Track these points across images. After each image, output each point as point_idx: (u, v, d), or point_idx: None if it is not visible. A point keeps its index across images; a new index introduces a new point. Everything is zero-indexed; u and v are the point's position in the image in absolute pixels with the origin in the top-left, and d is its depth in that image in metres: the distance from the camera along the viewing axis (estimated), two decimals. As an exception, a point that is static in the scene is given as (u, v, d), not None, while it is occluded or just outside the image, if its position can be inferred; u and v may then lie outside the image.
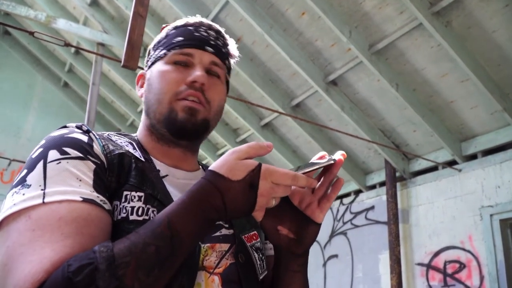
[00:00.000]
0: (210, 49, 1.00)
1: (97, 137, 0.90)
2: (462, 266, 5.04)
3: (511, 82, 4.61)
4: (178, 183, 0.96)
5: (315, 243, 6.92)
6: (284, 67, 5.81)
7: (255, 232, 1.02)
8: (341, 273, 6.48)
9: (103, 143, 0.89)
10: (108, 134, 0.97)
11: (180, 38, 1.00)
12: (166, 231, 0.70)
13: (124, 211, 0.81)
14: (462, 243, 5.08)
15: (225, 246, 0.91)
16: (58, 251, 0.68)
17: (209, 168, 0.77)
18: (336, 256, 6.63)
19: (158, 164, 0.97)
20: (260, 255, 0.98)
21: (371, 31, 4.88)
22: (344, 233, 6.59)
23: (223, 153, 7.87)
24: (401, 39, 4.78)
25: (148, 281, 0.67)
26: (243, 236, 0.97)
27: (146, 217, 0.81)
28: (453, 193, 5.33)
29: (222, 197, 0.74)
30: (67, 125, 0.90)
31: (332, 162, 0.85)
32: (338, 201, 6.90)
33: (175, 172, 0.99)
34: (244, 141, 7.35)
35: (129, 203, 0.82)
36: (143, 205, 0.83)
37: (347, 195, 6.84)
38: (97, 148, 0.86)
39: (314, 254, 6.93)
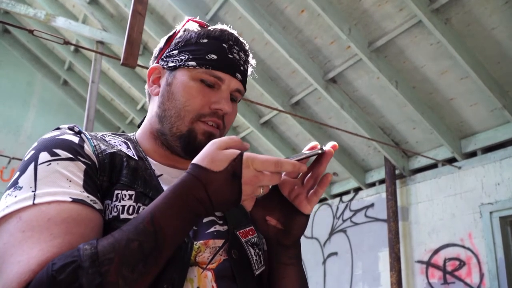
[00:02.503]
0: (239, 76, 0.99)
1: (89, 137, 0.90)
2: (462, 263, 5.04)
3: (511, 80, 4.61)
4: (173, 182, 0.94)
5: (314, 241, 6.94)
6: (283, 65, 5.81)
7: (252, 227, 1.01)
8: (340, 270, 6.49)
9: (95, 143, 0.89)
10: (102, 135, 0.97)
11: (214, 57, 0.96)
12: (149, 226, 0.71)
13: (115, 210, 0.82)
14: (462, 240, 5.08)
15: (218, 242, 0.91)
16: (45, 251, 0.69)
17: (192, 161, 0.77)
18: (335, 253, 6.64)
19: (153, 164, 0.97)
20: (257, 250, 0.97)
21: (371, 29, 4.88)
22: (343, 231, 6.60)
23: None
24: (401, 37, 4.77)
25: (133, 277, 0.68)
26: (238, 232, 0.96)
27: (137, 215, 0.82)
28: (453, 190, 5.33)
29: (206, 189, 0.74)
30: (60, 126, 0.91)
31: (320, 152, 0.85)
32: (338, 199, 6.90)
33: (171, 171, 0.98)
34: (243, 139, 7.34)
35: (120, 201, 0.83)
36: (134, 204, 0.83)
37: (346, 192, 6.84)
38: (88, 148, 0.87)
39: (314, 252, 6.94)
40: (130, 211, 0.82)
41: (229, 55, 0.98)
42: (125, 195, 0.84)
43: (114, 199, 0.83)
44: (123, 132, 9.10)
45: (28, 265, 0.67)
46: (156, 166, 0.97)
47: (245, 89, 1.04)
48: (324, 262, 6.80)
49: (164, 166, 0.98)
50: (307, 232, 7.25)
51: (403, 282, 5.51)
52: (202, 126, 0.95)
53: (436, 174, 5.59)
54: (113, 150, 0.90)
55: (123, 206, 0.82)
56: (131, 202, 0.83)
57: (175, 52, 0.99)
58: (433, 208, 5.51)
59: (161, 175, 0.95)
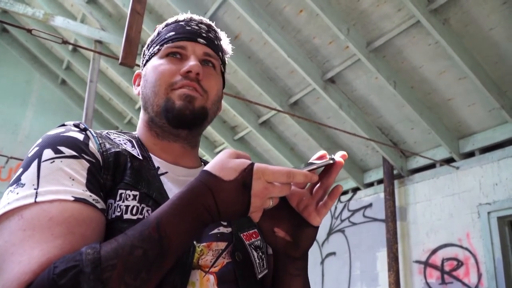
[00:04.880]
0: (202, 40, 1.01)
1: (94, 135, 0.89)
2: (459, 263, 5.05)
3: (508, 80, 4.62)
4: (178, 180, 0.96)
5: (313, 241, 6.94)
6: (282, 65, 5.81)
7: (255, 230, 1.00)
8: (338, 270, 6.49)
9: (100, 141, 0.89)
10: (107, 133, 0.96)
11: (172, 33, 1.01)
12: (155, 233, 0.69)
13: (119, 209, 0.81)
14: (460, 240, 5.09)
15: (222, 245, 0.90)
16: (46, 252, 0.68)
17: (203, 168, 0.76)
18: (334, 253, 6.64)
19: (158, 161, 0.97)
20: (260, 254, 0.97)
21: (369, 29, 4.88)
22: (342, 231, 6.60)
23: (221, 151, 7.88)
24: (399, 37, 4.78)
25: (135, 284, 0.67)
26: (241, 234, 0.95)
27: (141, 216, 0.81)
28: (451, 190, 5.34)
29: (214, 197, 0.73)
30: (65, 123, 0.90)
31: (331, 162, 0.82)
32: (336, 199, 6.89)
33: (175, 169, 0.98)
34: (242, 139, 7.35)
35: (123, 201, 0.82)
36: (138, 204, 0.82)
37: (345, 192, 6.84)
38: (93, 146, 0.86)
39: (312, 252, 6.93)
40: (134, 211, 0.81)
41: (187, 27, 1.02)
42: (129, 195, 0.83)
43: (118, 198, 0.82)
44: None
45: (29, 265, 0.66)
46: (161, 164, 0.96)
47: (221, 56, 1.06)
48: (322, 262, 6.80)
49: (169, 164, 0.98)
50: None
51: (401, 282, 5.52)
52: (177, 92, 0.95)
53: (434, 174, 5.60)
54: (118, 149, 0.89)
55: (127, 206, 0.81)
56: (135, 203, 0.82)
57: (146, 51, 1.06)
58: (431, 208, 5.51)
59: (165, 172, 0.95)
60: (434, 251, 5.34)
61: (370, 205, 6.33)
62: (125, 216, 0.80)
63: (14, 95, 9.16)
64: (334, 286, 6.50)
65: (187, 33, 1.01)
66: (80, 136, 0.86)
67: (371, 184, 6.52)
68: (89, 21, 7.16)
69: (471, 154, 5.33)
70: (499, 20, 4.22)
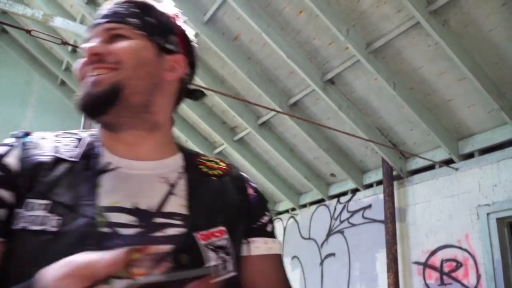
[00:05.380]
0: (102, 20, 0.92)
1: (28, 141, 0.87)
2: (459, 264, 5.04)
3: (508, 81, 4.62)
4: (130, 175, 0.88)
5: (312, 242, 6.94)
6: (281, 66, 5.80)
7: (221, 228, 0.88)
8: (338, 271, 6.48)
9: (26, 148, 0.86)
10: (56, 135, 0.92)
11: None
12: None
13: (24, 220, 0.77)
14: (459, 241, 5.08)
15: (164, 248, 0.77)
16: None
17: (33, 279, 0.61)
18: (333, 254, 6.63)
19: (110, 157, 0.89)
20: (222, 255, 0.85)
21: (369, 30, 4.88)
22: (341, 232, 6.60)
23: (220, 152, 7.90)
24: (398, 38, 4.78)
25: None
26: (197, 234, 0.83)
27: (47, 227, 0.76)
28: (450, 192, 5.33)
29: None
30: (12, 133, 0.89)
31: (204, 274, 0.64)
32: (335, 200, 6.90)
33: (131, 163, 0.90)
34: (241, 140, 7.33)
35: (30, 211, 0.78)
36: (47, 214, 0.77)
37: (344, 193, 6.84)
38: (10, 159, 0.83)
39: (311, 253, 6.93)
40: (39, 221, 0.76)
41: (95, 20, 0.95)
42: (38, 204, 0.78)
43: (26, 208, 0.78)
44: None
45: None
46: (114, 159, 0.89)
47: (137, 23, 0.92)
48: (321, 263, 6.80)
49: (124, 159, 0.90)
50: (305, 233, 7.24)
51: (401, 283, 5.51)
52: (83, 84, 0.87)
53: (434, 175, 5.59)
54: (41, 157, 0.85)
55: (33, 216, 0.77)
56: (43, 213, 0.77)
57: None
58: (430, 209, 5.51)
59: (117, 168, 0.88)
60: (433, 252, 5.34)
61: (369, 206, 6.32)
62: (30, 227, 0.76)
63: (14, 96, 9.15)
64: (333, 287, 6.49)
65: (93, 24, 0.94)
66: (2, 149, 0.84)
67: (370, 185, 6.51)
68: (89, 22, 7.15)
69: (470, 155, 5.32)
70: (499, 21, 4.22)
